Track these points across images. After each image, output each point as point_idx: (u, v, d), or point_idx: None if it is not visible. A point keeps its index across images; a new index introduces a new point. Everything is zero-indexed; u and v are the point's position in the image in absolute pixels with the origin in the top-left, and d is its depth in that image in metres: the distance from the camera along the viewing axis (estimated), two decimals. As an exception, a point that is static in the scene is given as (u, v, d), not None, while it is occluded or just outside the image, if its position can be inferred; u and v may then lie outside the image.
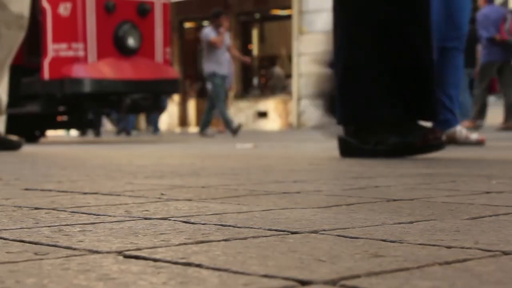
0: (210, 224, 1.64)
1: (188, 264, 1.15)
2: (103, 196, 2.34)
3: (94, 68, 11.26)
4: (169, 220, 1.72)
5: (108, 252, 1.28)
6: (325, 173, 3.27)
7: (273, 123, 25.87)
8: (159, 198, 2.25)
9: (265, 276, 1.06)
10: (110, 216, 1.81)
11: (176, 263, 1.17)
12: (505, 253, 1.23)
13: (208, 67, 14.93)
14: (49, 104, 11.47)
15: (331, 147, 6.47)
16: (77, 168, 3.89)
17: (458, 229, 1.52)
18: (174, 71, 12.77)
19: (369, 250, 1.27)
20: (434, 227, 1.55)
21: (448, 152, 5.13)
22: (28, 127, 12.54)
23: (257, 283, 1.01)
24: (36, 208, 2.00)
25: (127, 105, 11.83)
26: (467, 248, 1.28)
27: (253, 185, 2.67)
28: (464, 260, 1.17)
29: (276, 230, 1.53)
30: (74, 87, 11.16)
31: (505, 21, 12.58)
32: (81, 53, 11.26)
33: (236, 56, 17.52)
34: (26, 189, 2.62)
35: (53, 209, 1.98)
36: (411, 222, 1.63)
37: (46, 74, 11.24)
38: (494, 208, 1.89)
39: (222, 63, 15.06)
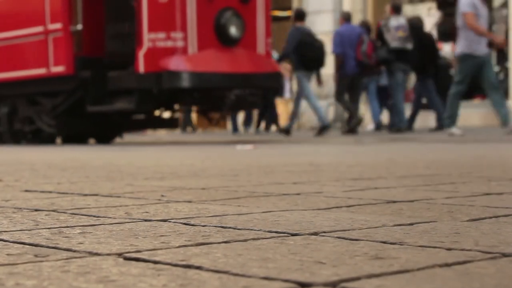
0: (210, 226, 1.64)
1: (188, 266, 1.15)
2: (103, 197, 2.34)
3: (194, 60, 9.91)
4: (169, 222, 1.72)
5: (108, 254, 1.28)
6: (325, 175, 3.27)
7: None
8: (159, 199, 2.25)
9: (265, 278, 1.06)
10: (110, 218, 1.81)
11: (176, 265, 1.17)
12: (505, 255, 1.23)
13: None
14: (144, 101, 10.08)
15: (330, 149, 6.46)
16: (77, 169, 3.89)
17: (458, 231, 1.52)
18: (276, 64, 11.42)
19: (370, 252, 1.26)
20: (434, 229, 1.55)
21: (448, 154, 5.13)
22: (101, 127, 11.32)
23: (257, 285, 1.01)
24: (36, 210, 2.00)
25: (232, 102, 10.56)
26: (467, 250, 1.28)
27: (253, 187, 2.67)
28: (464, 262, 1.17)
29: (276, 232, 1.53)
30: (173, 81, 9.81)
31: (362, 43, 12.86)
32: (180, 44, 9.92)
33: None
34: (26, 191, 2.62)
35: (53, 210, 1.98)
36: (411, 224, 1.63)
37: (141, 67, 9.82)
38: (494, 210, 1.89)
39: None
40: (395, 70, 12.91)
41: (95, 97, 10.31)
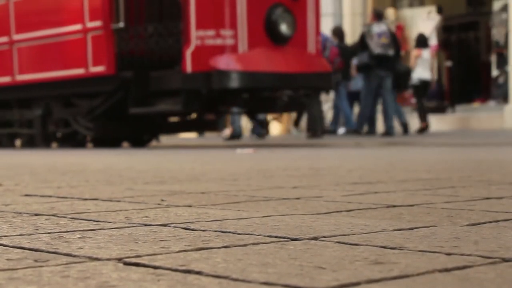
0: (210, 230, 1.64)
1: (188, 272, 1.15)
2: (103, 202, 2.34)
3: (245, 59, 9.32)
4: (169, 226, 1.72)
5: (108, 259, 1.28)
6: (324, 179, 3.27)
7: (273, 128, 25.82)
8: (159, 204, 2.25)
9: (265, 283, 1.06)
10: (110, 222, 1.81)
11: (176, 270, 1.17)
12: (505, 260, 1.23)
13: None
14: (190, 102, 9.41)
15: (330, 152, 6.47)
16: (77, 174, 3.89)
17: (458, 235, 1.52)
18: (327, 64, 10.73)
19: (369, 257, 1.26)
20: (434, 234, 1.55)
21: (448, 158, 5.13)
22: (135, 129, 10.78)
23: (257, 290, 1.01)
24: (36, 214, 2.00)
25: (284, 103, 10.09)
26: (467, 255, 1.28)
27: (253, 191, 2.67)
28: (464, 267, 1.17)
29: (276, 237, 1.53)
30: (222, 82, 9.18)
31: (325, 49, 13.03)
32: (230, 41, 9.30)
33: None
34: (26, 195, 2.62)
35: (53, 215, 1.98)
36: (411, 229, 1.63)
37: (188, 66, 9.19)
38: (494, 214, 1.89)
39: None
40: (372, 76, 13.08)
41: (137, 99, 9.70)
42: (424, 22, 18.21)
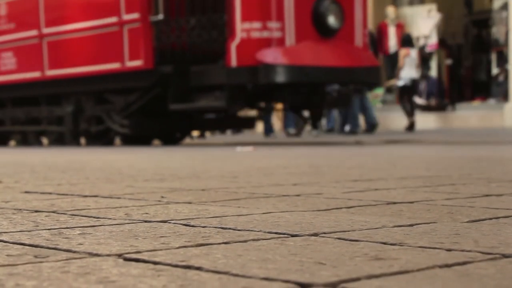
0: (210, 227, 1.64)
1: (188, 267, 1.15)
2: (103, 199, 2.34)
3: (292, 52, 8.85)
4: (169, 223, 1.72)
5: (108, 255, 1.28)
6: (324, 176, 3.27)
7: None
8: (159, 201, 2.25)
9: (265, 279, 1.06)
10: (110, 219, 1.81)
11: (176, 266, 1.17)
12: (505, 256, 1.23)
13: None
14: (235, 98, 8.91)
15: (330, 150, 6.47)
16: (77, 171, 3.88)
17: (458, 232, 1.52)
18: (375, 58, 10.24)
19: (370, 253, 1.26)
20: (434, 230, 1.55)
21: (448, 155, 5.13)
22: (169, 126, 10.27)
23: (257, 286, 1.01)
24: (36, 211, 2.00)
25: (333, 99, 9.66)
26: (467, 251, 1.28)
27: (253, 188, 2.67)
28: (464, 263, 1.17)
29: (276, 233, 1.52)
30: (269, 76, 8.68)
31: None
32: (277, 34, 8.83)
33: None
34: (26, 192, 2.62)
35: (53, 212, 1.98)
36: (411, 225, 1.63)
37: (233, 60, 8.69)
38: (494, 211, 1.89)
39: None
40: None
41: (177, 94, 9.20)
42: (424, 20, 18.19)
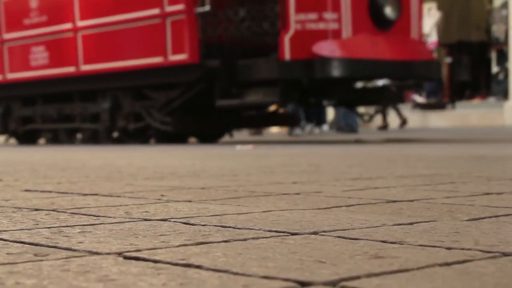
0: (210, 225, 1.64)
1: (188, 265, 1.15)
2: (103, 197, 2.34)
3: (349, 45, 8.44)
4: (169, 221, 1.72)
5: (108, 253, 1.28)
6: (324, 175, 3.27)
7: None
8: (159, 199, 2.25)
9: (265, 277, 1.06)
10: (110, 217, 1.81)
11: (176, 264, 1.17)
12: (505, 254, 1.23)
13: None
14: (288, 93, 8.45)
15: (329, 149, 6.47)
16: (77, 170, 3.88)
17: (458, 230, 1.52)
18: (431, 52, 9.81)
19: (369, 252, 1.26)
20: (434, 228, 1.55)
21: (448, 154, 5.13)
22: (210, 124, 9.80)
23: (257, 284, 1.01)
24: (36, 209, 2.00)
25: (392, 94, 9.19)
26: (467, 249, 1.28)
27: (252, 186, 2.67)
28: (464, 261, 1.17)
29: (276, 232, 1.52)
30: (326, 70, 8.18)
31: None
32: (333, 26, 8.38)
33: None
34: (26, 190, 2.62)
35: (53, 210, 1.98)
36: (411, 224, 1.63)
37: (286, 53, 8.22)
38: (494, 210, 1.89)
39: None
40: None
41: (224, 90, 8.75)
42: (424, 18, 18.19)
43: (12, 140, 12.07)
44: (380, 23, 8.61)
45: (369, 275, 1.06)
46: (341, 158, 4.83)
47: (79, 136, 10.67)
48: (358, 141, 9.30)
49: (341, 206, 2.01)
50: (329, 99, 9.64)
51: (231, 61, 8.71)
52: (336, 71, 8.23)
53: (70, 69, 10.00)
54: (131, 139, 9.78)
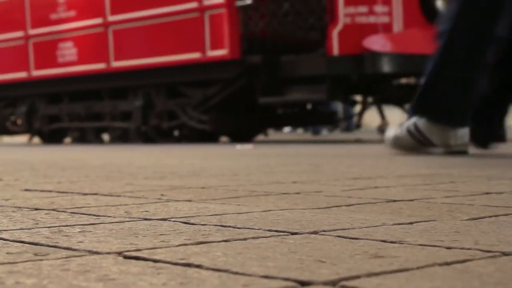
0: (210, 225, 1.64)
1: (188, 265, 1.15)
2: (103, 197, 2.34)
3: (401, 39, 8.12)
4: (169, 221, 1.72)
5: (108, 253, 1.28)
6: (324, 174, 3.27)
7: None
8: (159, 199, 2.25)
9: (265, 277, 1.06)
10: (110, 217, 1.81)
11: (176, 263, 1.17)
12: (505, 254, 1.23)
13: None
14: (336, 90, 8.10)
15: (329, 148, 6.47)
16: (77, 169, 3.89)
17: (457, 230, 1.52)
18: None
19: (369, 251, 1.26)
20: (434, 228, 1.55)
21: (448, 152, 5.13)
22: (243, 123, 9.48)
23: (257, 284, 1.01)
24: (36, 209, 2.00)
25: None
26: (467, 249, 1.28)
27: (252, 186, 2.67)
28: (464, 261, 1.17)
29: (276, 231, 1.53)
30: (376, 66, 7.87)
31: None
32: (384, 19, 8.06)
33: None
34: (26, 190, 2.62)
35: (53, 209, 1.98)
36: (411, 223, 1.63)
37: (335, 48, 7.93)
38: (494, 209, 1.89)
39: None
40: None
41: (267, 87, 8.41)
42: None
43: (36, 140, 11.83)
44: (431, 16, 8.18)
45: (369, 275, 1.06)
46: (340, 158, 4.83)
47: (106, 135, 10.34)
48: (358, 141, 9.30)
49: (341, 206, 2.01)
50: (374, 95, 9.28)
51: (274, 57, 8.40)
52: (387, 67, 7.95)
53: (100, 66, 9.70)
54: (162, 138, 9.48)
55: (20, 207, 2.05)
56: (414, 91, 8.84)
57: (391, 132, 5.31)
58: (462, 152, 5.04)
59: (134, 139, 9.72)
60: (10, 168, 4.12)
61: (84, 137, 10.48)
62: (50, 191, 2.57)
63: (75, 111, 10.42)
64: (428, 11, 8.25)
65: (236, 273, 1.09)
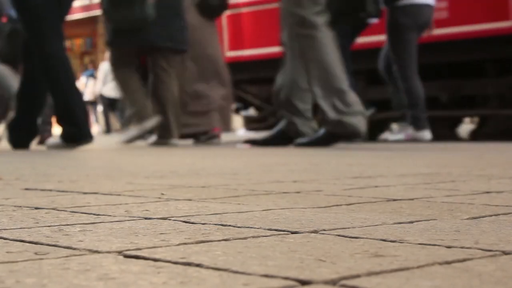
0: (210, 224, 1.64)
1: (188, 264, 1.15)
2: (103, 196, 2.34)
3: None
4: (169, 220, 1.72)
5: (108, 252, 1.28)
6: (324, 173, 3.27)
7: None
8: (159, 198, 2.25)
9: (265, 276, 1.06)
10: (110, 216, 1.81)
11: (176, 263, 1.17)
12: (505, 252, 1.23)
13: None
14: None
15: (330, 148, 6.47)
16: (77, 168, 3.89)
17: (458, 229, 1.52)
18: None
19: (369, 250, 1.27)
20: (434, 227, 1.55)
21: (448, 152, 5.13)
22: None
23: (257, 283, 1.01)
24: (36, 208, 2.00)
25: None
26: (467, 248, 1.28)
27: (253, 185, 2.67)
28: (464, 260, 1.17)
29: (276, 230, 1.53)
30: None
31: None
32: None
33: None
34: (26, 189, 2.62)
35: (53, 209, 1.98)
36: (411, 222, 1.63)
37: None
38: (494, 208, 1.89)
39: None
40: None
41: None
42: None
43: None
44: None
45: (369, 274, 1.06)
46: (340, 157, 4.83)
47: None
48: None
49: (341, 205, 2.01)
50: None
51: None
52: None
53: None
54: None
55: (20, 206, 2.05)
56: None
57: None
58: None
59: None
60: (11, 167, 4.11)
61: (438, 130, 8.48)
62: (51, 190, 2.57)
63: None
64: None
65: (236, 272, 1.09)
